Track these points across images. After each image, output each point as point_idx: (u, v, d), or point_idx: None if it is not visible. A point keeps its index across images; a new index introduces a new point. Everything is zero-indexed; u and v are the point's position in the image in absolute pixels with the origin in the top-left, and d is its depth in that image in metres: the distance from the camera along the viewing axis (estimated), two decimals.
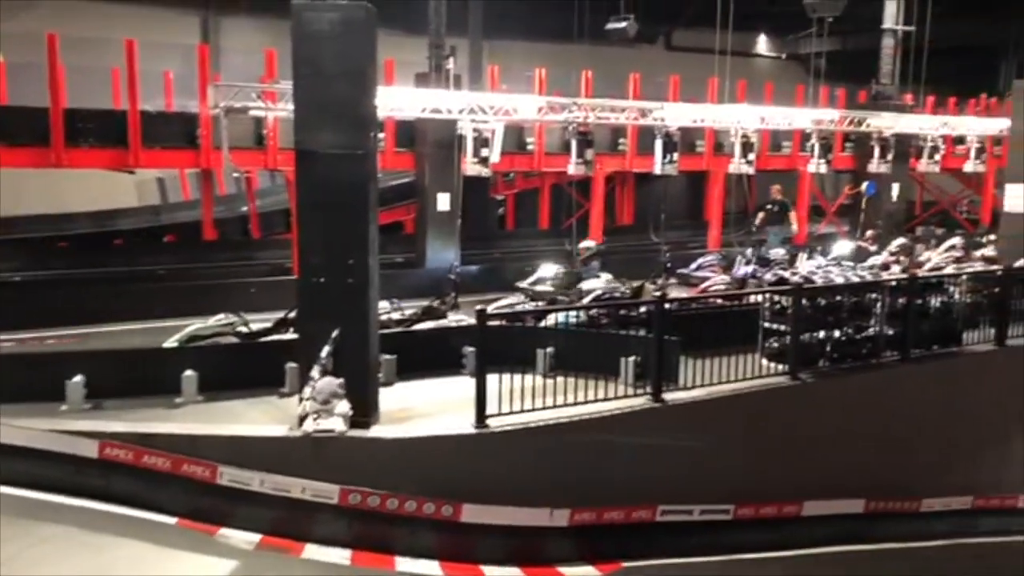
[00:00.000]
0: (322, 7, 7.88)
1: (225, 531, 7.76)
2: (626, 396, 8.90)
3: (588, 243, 14.83)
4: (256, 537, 7.73)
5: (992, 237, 18.19)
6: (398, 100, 13.51)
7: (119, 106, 14.89)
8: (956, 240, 18.11)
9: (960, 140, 21.54)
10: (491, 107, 14.10)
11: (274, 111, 13.58)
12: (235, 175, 17.07)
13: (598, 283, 12.94)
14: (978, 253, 17.34)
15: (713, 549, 8.89)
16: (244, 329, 10.28)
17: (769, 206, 17.62)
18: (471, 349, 9.30)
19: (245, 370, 9.21)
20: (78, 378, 8.63)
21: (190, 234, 19.21)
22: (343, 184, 8.05)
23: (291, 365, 8.84)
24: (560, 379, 8.99)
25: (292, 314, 9.70)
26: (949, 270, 14.46)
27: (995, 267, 13.48)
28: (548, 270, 13.21)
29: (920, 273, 13.22)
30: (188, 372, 8.86)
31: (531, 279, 13.29)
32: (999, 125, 20.36)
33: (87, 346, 10.09)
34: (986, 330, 11.56)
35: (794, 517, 9.52)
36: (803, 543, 9.51)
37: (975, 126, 21.12)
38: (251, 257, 17.15)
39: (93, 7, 21.72)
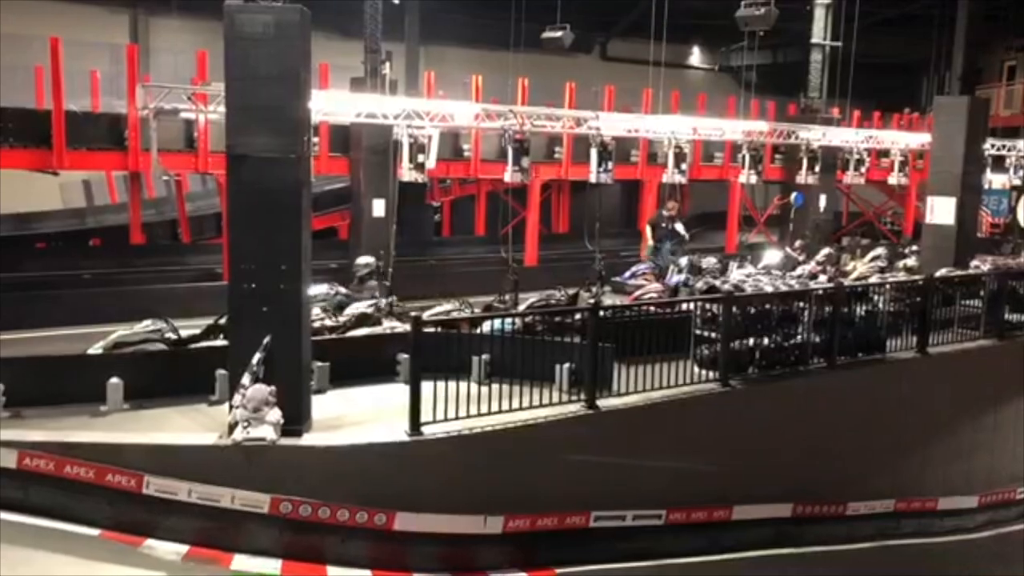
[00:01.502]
0: (255, 9, 7.77)
1: (151, 542, 7.57)
2: (561, 403, 8.93)
3: (365, 259, 13.32)
4: (183, 548, 7.55)
5: (914, 248, 18.78)
6: (333, 104, 13.37)
7: (43, 105, 14.46)
8: (880, 250, 18.66)
9: (884, 153, 22.19)
10: (427, 113, 14.05)
11: (205, 113, 13.34)
12: (164, 178, 16.71)
13: (366, 306, 11.75)
14: (901, 263, 17.90)
15: (645, 554, 8.98)
16: (172, 335, 10.05)
17: (664, 224, 17.62)
18: (405, 356, 9.24)
19: (173, 377, 9.03)
20: None
21: (117, 238, 18.75)
22: (276, 189, 7.93)
23: (221, 372, 8.67)
24: (496, 386, 8.99)
25: (222, 320, 9.53)
26: (874, 279, 14.88)
27: (917, 277, 13.90)
28: (315, 290, 12.61)
29: (846, 282, 13.56)
30: (113, 379, 8.62)
31: None
32: (921, 139, 21.03)
33: (7, 353, 9.75)
34: (909, 338, 11.91)
35: (724, 521, 9.67)
36: (733, 547, 9.68)
37: (899, 140, 21.78)
38: (181, 262, 16.80)
39: (17, 3, 21.05)
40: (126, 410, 8.60)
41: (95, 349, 9.62)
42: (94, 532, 7.58)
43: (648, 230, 17.17)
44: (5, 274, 13.76)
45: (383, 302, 11.89)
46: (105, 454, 7.65)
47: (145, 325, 10.06)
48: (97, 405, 8.56)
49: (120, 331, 9.99)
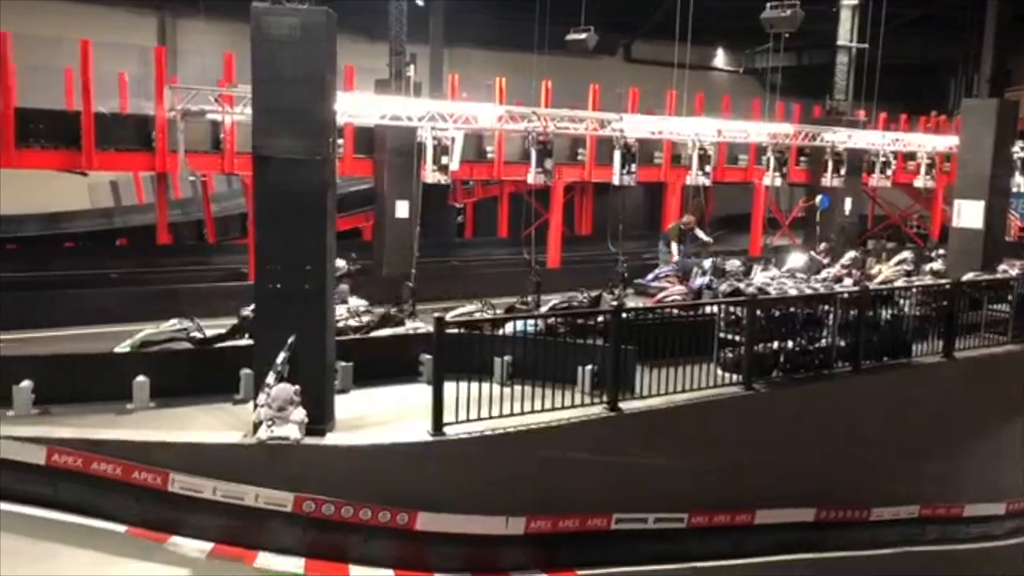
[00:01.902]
0: (282, 11, 7.83)
1: (176, 539, 7.64)
2: (583, 405, 8.93)
3: (336, 262, 12.56)
4: (208, 546, 7.62)
5: (941, 251, 18.60)
6: (358, 106, 13.45)
7: (72, 107, 14.65)
8: (906, 254, 18.51)
9: (911, 156, 22.03)
10: (451, 115, 14.10)
11: (232, 115, 13.45)
12: (191, 179, 16.88)
13: (340, 310, 11.08)
14: (927, 267, 17.75)
15: (667, 557, 8.95)
16: (198, 334, 10.14)
17: (684, 237, 17.28)
18: (428, 356, 9.27)
19: (199, 376, 9.10)
20: (26, 383, 8.44)
21: (144, 238, 18.94)
22: (301, 190, 7.99)
23: (246, 371, 8.74)
24: (518, 387, 9.00)
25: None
26: (899, 283, 14.75)
27: (944, 281, 13.77)
28: None
29: (871, 286, 13.46)
30: (140, 378, 8.71)
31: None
32: (948, 142, 20.84)
33: (35, 351, 9.90)
34: (935, 342, 11.79)
35: (747, 525, 9.62)
36: (755, 551, 9.63)
37: (925, 143, 21.59)
38: (206, 262, 16.95)
39: (47, 5, 21.35)
40: (152, 408, 8.67)
41: (122, 348, 9.73)
42: (121, 528, 7.66)
43: (673, 246, 17.02)
44: (34, 273, 13.97)
45: (349, 307, 11.78)
46: (131, 451, 7.73)
47: (171, 324, 10.18)
48: (124, 403, 8.64)
49: (146, 330, 10.11)
